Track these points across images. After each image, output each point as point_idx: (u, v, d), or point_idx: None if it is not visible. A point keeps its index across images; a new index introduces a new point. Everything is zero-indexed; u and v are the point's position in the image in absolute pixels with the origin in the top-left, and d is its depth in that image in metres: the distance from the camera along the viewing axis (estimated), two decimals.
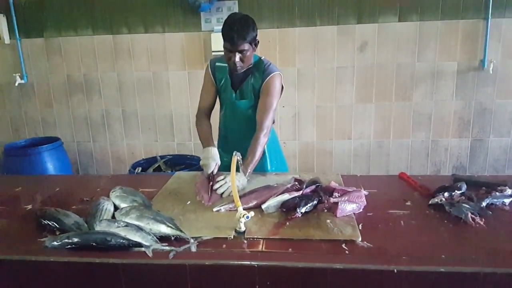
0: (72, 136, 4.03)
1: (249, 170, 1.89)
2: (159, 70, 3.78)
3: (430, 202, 1.60)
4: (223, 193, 1.77)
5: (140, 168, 3.10)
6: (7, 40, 3.76)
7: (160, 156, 3.37)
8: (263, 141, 1.98)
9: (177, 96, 3.83)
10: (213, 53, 3.54)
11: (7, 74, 3.89)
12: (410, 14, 3.43)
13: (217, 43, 3.51)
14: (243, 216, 1.39)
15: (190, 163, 3.25)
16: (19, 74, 3.84)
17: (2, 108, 4.04)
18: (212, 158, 1.91)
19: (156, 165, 3.23)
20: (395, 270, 1.15)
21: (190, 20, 3.62)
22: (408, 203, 1.63)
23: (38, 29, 3.80)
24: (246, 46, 1.89)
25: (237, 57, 1.91)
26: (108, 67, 3.82)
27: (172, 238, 1.36)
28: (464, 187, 1.66)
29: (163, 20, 3.66)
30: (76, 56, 3.83)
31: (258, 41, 1.98)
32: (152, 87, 3.83)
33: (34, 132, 4.06)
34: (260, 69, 2.04)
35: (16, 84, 3.84)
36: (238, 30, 1.86)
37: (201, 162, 1.94)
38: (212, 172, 1.88)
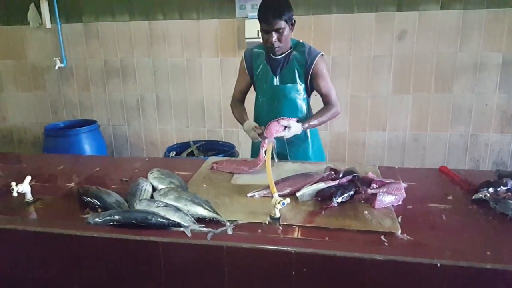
0: (107, 120, 4.13)
1: (306, 125, 1.98)
2: (192, 56, 3.80)
3: (473, 197, 1.54)
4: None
5: (174, 152, 3.14)
6: (48, 25, 3.86)
7: (193, 141, 3.40)
8: (333, 113, 2.09)
9: (209, 83, 3.84)
10: (246, 40, 3.51)
11: (48, 57, 4.01)
12: (454, 1, 3.29)
13: (251, 30, 3.48)
14: (279, 203, 1.38)
15: (222, 149, 3.27)
16: (59, 58, 3.95)
17: (42, 90, 4.18)
18: (251, 128, 1.99)
19: (190, 150, 3.26)
20: (438, 264, 1.12)
21: (225, 6, 3.60)
22: (450, 197, 1.58)
23: (77, 14, 3.89)
24: (282, 24, 1.91)
25: (274, 36, 1.93)
26: (144, 52, 3.87)
27: (208, 220, 1.38)
28: (510, 183, 1.58)
29: (198, 6, 3.66)
30: (113, 41, 3.90)
31: (295, 21, 1.99)
32: (185, 73, 3.86)
33: (72, 114, 4.18)
34: (302, 51, 2.05)
35: (56, 68, 3.95)
36: (272, 9, 1.89)
37: (249, 134, 2.04)
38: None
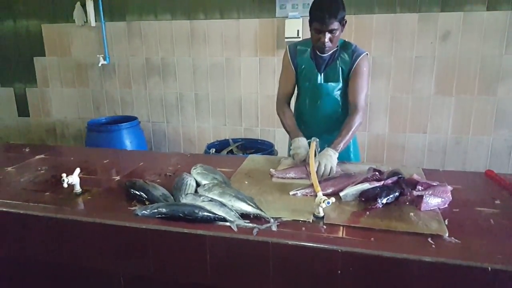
0: (147, 116, 4.24)
1: (339, 148, 1.86)
2: (231, 56, 3.84)
3: None
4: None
5: (214, 149, 3.17)
6: (93, 23, 4.01)
7: (232, 140, 3.44)
8: (358, 122, 1.98)
9: (247, 82, 3.87)
10: (286, 40, 3.52)
11: (91, 55, 4.17)
12: (501, 2, 3.17)
13: (291, 29, 3.49)
14: (323, 202, 1.37)
15: (260, 147, 3.28)
16: (102, 55, 4.09)
17: (86, 87, 4.34)
18: (304, 148, 1.92)
19: (230, 148, 3.29)
20: (489, 268, 1.09)
21: (265, 6, 3.63)
22: (497, 202, 1.53)
23: (121, 13, 4.02)
24: (336, 25, 1.86)
25: (327, 37, 1.89)
26: (184, 51, 3.95)
27: (252, 216, 1.39)
28: None
29: (238, 6, 3.70)
30: (155, 40, 4.00)
31: (346, 21, 1.93)
32: (224, 72, 3.91)
33: (113, 110, 4.32)
34: (348, 50, 2.02)
35: (99, 65, 4.10)
36: (328, 9, 1.83)
37: (291, 152, 1.96)
38: (305, 160, 1.86)
